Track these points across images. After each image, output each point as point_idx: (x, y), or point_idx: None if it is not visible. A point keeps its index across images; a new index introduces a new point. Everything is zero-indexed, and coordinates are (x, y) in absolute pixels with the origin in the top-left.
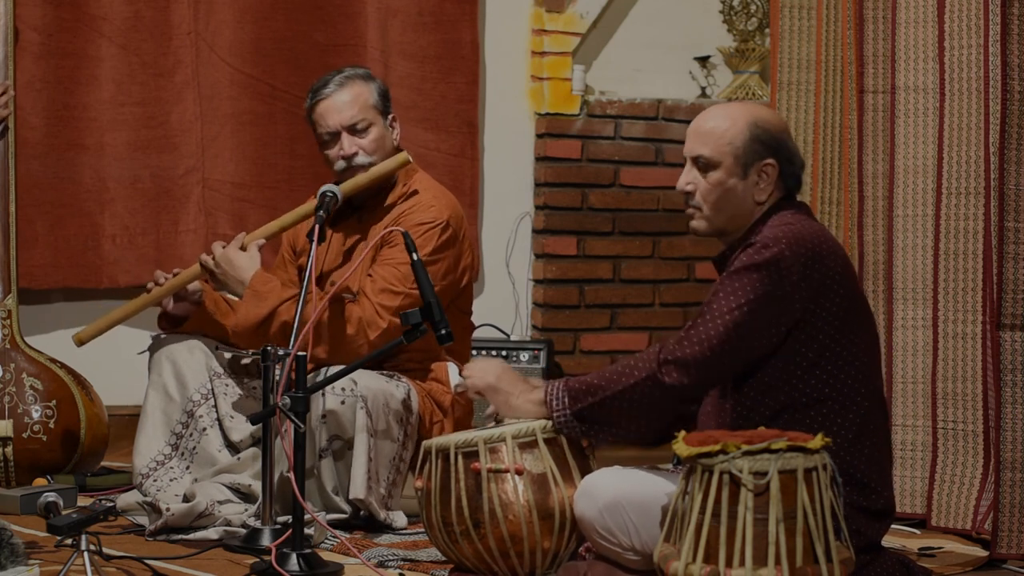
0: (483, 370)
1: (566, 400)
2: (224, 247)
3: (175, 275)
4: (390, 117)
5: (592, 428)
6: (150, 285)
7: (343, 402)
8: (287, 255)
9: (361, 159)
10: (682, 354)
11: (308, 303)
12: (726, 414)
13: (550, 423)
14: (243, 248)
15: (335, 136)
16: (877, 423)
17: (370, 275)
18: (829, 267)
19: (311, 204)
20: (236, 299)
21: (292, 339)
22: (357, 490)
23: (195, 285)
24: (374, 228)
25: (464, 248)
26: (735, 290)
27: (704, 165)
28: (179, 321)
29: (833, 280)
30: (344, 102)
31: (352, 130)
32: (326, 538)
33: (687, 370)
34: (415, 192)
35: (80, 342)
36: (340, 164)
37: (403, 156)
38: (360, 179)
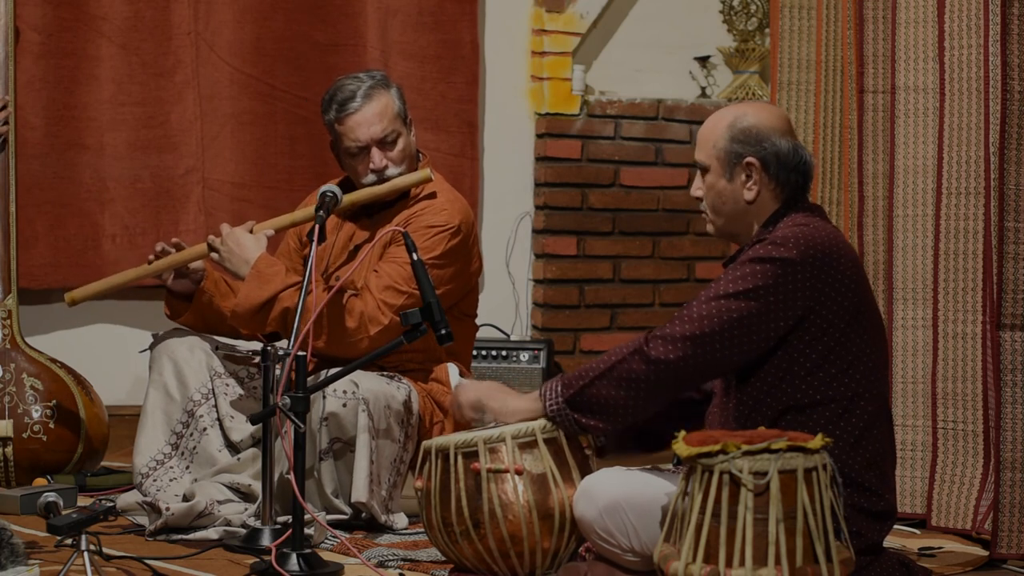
0: (473, 385)
1: (559, 389)
2: (232, 228)
3: (175, 244)
4: (409, 121)
5: (585, 416)
6: (151, 257)
7: (344, 405)
8: (293, 244)
9: (391, 171)
10: (671, 330)
11: (308, 303)
12: (729, 413)
13: (549, 423)
14: (251, 233)
15: (364, 149)
16: (880, 426)
17: (376, 271)
18: (838, 271)
19: None
20: (237, 282)
21: (292, 337)
22: (359, 493)
23: (198, 264)
24: (384, 226)
25: (473, 254)
26: (736, 278)
27: (702, 170)
28: (182, 299)
29: (841, 284)
30: (374, 115)
31: (382, 143)
32: (326, 538)
33: (674, 344)
34: (429, 195)
35: (72, 302)
36: (371, 177)
37: (425, 173)
38: (378, 190)
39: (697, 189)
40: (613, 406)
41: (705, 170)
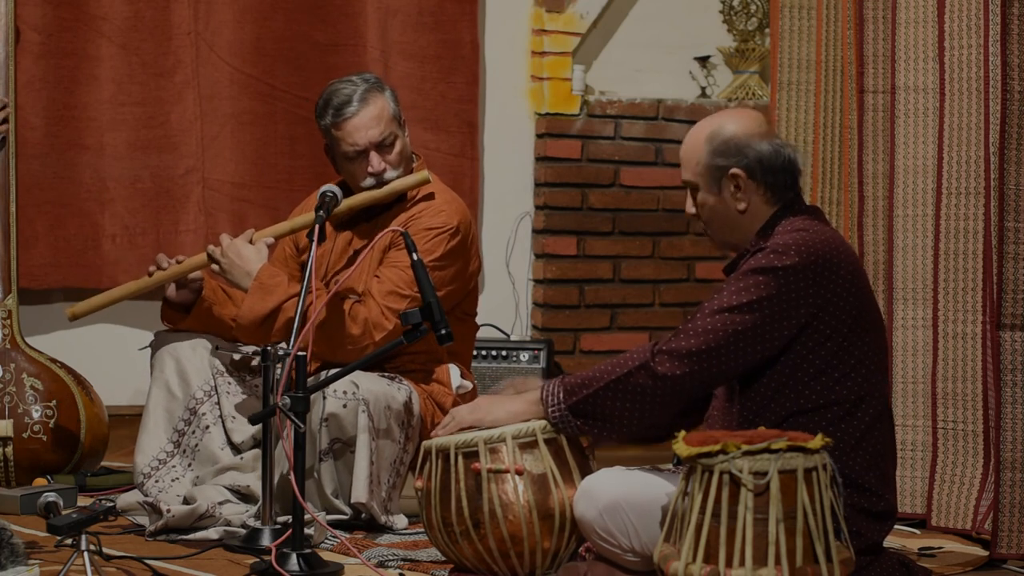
0: (464, 407)
1: (561, 395)
2: (232, 239)
3: (178, 261)
4: (404, 123)
5: (588, 423)
6: (152, 268)
7: (345, 405)
8: (289, 250)
9: (390, 174)
10: (677, 345)
11: (309, 303)
12: (732, 418)
13: (550, 424)
14: (251, 243)
15: (362, 153)
16: (881, 426)
17: (377, 276)
18: (839, 275)
19: None
20: (237, 290)
21: (293, 337)
22: (359, 494)
23: (196, 273)
24: (382, 230)
25: (472, 253)
26: (739, 290)
27: (691, 189)
28: (180, 309)
29: (842, 288)
30: (371, 119)
31: (380, 146)
32: (326, 538)
33: (681, 360)
34: (427, 196)
35: (73, 316)
36: (369, 181)
37: (423, 175)
38: (376, 194)
39: (691, 207)
40: (617, 417)
41: (695, 188)
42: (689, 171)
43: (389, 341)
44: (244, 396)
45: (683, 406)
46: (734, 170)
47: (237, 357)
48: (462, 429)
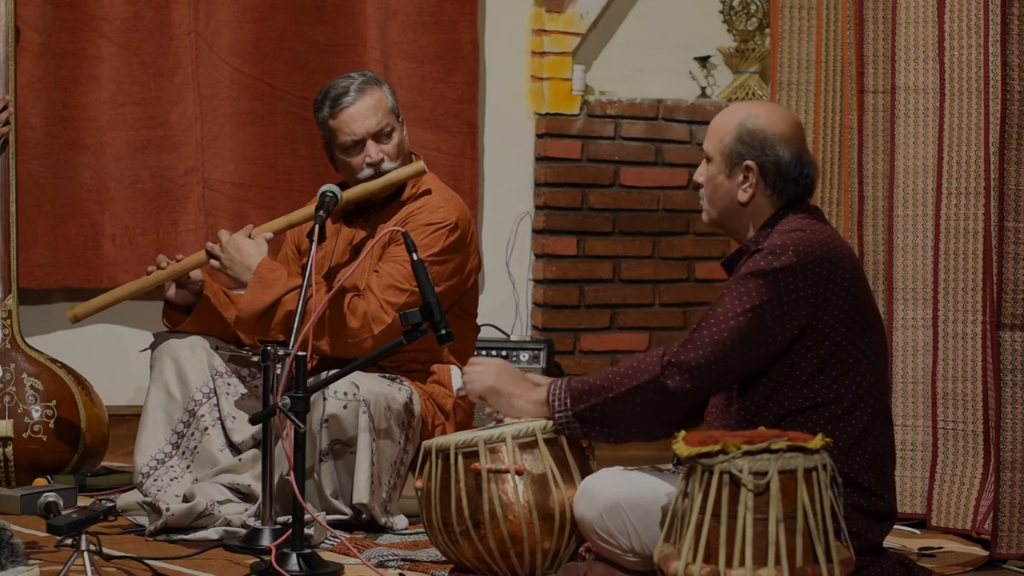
0: (482, 372)
1: (568, 401)
2: (231, 234)
3: (178, 260)
4: (402, 120)
5: (594, 428)
6: (151, 268)
7: (345, 407)
8: (291, 253)
9: (387, 165)
10: (686, 358)
11: (309, 301)
12: (731, 416)
13: (550, 423)
14: (250, 237)
15: (359, 143)
16: (880, 426)
17: (376, 271)
18: (838, 275)
19: None
20: (238, 292)
21: (293, 335)
22: (360, 495)
23: (197, 274)
24: (382, 227)
25: (471, 250)
26: (740, 295)
27: (707, 159)
28: (181, 311)
29: (841, 288)
30: (368, 108)
31: (377, 137)
32: (326, 538)
33: (691, 374)
34: (425, 192)
35: (75, 318)
36: (367, 171)
37: (419, 165)
38: (373, 185)
39: (699, 175)
40: (624, 425)
41: (708, 160)
42: (711, 143)
43: (389, 335)
44: (244, 396)
45: (688, 410)
46: (749, 162)
47: (240, 354)
48: (459, 430)
